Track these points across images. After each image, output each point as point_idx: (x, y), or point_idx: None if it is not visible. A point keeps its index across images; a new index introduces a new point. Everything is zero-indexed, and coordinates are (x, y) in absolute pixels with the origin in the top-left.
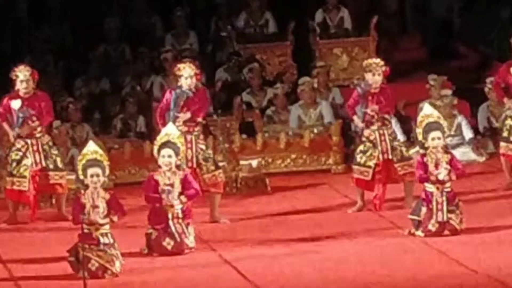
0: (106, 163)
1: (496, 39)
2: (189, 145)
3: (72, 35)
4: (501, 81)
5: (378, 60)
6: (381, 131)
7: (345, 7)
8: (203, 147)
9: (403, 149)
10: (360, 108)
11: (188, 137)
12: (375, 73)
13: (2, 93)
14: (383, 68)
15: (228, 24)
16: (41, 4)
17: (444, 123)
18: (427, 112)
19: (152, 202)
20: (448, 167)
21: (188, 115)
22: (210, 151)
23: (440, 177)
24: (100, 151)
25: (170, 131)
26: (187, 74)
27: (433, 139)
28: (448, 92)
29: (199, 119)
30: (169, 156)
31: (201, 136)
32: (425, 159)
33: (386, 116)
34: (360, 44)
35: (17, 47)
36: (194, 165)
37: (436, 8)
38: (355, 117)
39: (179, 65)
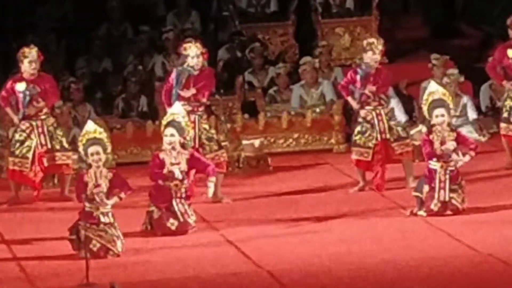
0: (106, 140)
1: (499, 18)
2: (192, 125)
3: (74, 13)
4: (497, 63)
5: (378, 39)
6: (377, 111)
7: None
8: (206, 126)
9: (399, 128)
10: (357, 89)
11: (192, 116)
12: (375, 51)
13: (5, 73)
14: (381, 47)
15: (230, 3)
16: None
17: (449, 100)
18: (433, 89)
19: (158, 179)
20: (455, 144)
21: (190, 91)
22: (213, 131)
23: (450, 147)
24: (100, 129)
25: (176, 110)
26: (193, 53)
27: (436, 116)
28: (455, 71)
29: (204, 99)
30: (172, 135)
31: (204, 116)
32: (430, 136)
33: (382, 95)
34: (362, 23)
35: (19, 26)
36: (197, 145)
37: None
38: (349, 98)
39: (185, 45)
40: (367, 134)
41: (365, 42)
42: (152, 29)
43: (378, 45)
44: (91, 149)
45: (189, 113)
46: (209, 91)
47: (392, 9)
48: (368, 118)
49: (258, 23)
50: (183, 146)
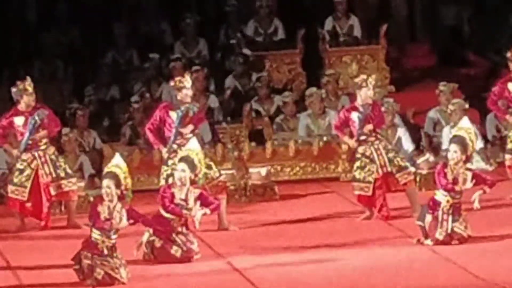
0: (122, 177)
1: (505, 47)
2: None
3: (82, 40)
4: (498, 98)
5: (367, 76)
6: (375, 146)
7: (354, 15)
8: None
9: (399, 159)
10: (355, 129)
11: None
12: (370, 87)
13: (12, 99)
14: (373, 83)
15: (237, 31)
16: (50, 9)
17: (470, 141)
18: (463, 125)
19: (171, 212)
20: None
21: (189, 128)
22: (209, 159)
23: (457, 188)
24: (122, 165)
25: (191, 147)
26: (189, 85)
27: (449, 151)
28: (460, 100)
29: (197, 131)
30: (183, 171)
31: None
32: (445, 169)
33: (378, 130)
34: (370, 52)
35: (26, 52)
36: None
37: (445, 16)
38: (345, 138)
39: (178, 78)
40: (366, 169)
41: (358, 80)
42: (159, 57)
43: (371, 80)
44: (105, 182)
45: (183, 146)
46: (202, 121)
47: (400, 38)
48: (367, 153)
49: (265, 51)
50: (193, 182)
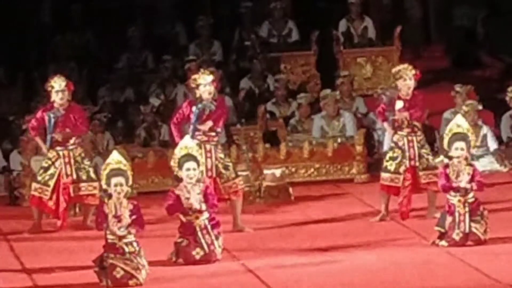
0: (129, 172)
1: None
2: (208, 155)
3: (96, 42)
4: None
5: (406, 65)
6: (409, 138)
7: (369, 17)
8: (222, 155)
9: (430, 157)
10: (388, 115)
11: (207, 146)
12: (406, 78)
13: (27, 102)
14: (413, 72)
15: (252, 33)
16: (64, 11)
17: (472, 136)
18: (458, 122)
19: (174, 212)
20: (469, 178)
21: (208, 124)
22: (228, 159)
23: (462, 184)
24: (124, 161)
25: (188, 144)
26: (204, 82)
27: (456, 149)
28: (474, 102)
29: (219, 129)
30: (194, 169)
31: (219, 145)
32: (447, 171)
33: (416, 123)
34: (384, 53)
35: (41, 55)
36: (214, 175)
37: (459, 17)
38: (385, 124)
39: (194, 76)
40: (398, 160)
41: (393, 70)
42: (174, 58)
43: (407, 71)
44: (114, 180)
45: (204, 143)
46: (224, 120)
47: (414, 39)
48: (400, 143)
49: (279, 52)
50: (197, 179)
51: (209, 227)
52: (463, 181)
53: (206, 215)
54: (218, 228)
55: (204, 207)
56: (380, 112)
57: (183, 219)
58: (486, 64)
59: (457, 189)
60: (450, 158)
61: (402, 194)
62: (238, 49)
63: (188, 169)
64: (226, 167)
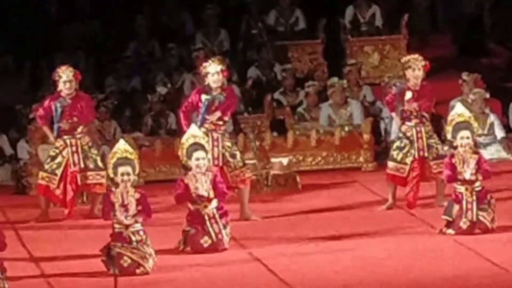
0: (136, 161)
1: None
2: (215, 143)
3: (103, 31)
4: None
5: (416, 56)
6: (418, 128)
7: (376, 5)
8: (229, 144)
9: (439, 147)
10: (397, 105)
11: (215, 135)
12: (415, 68)
13: (34, 92)
14: (423, 63)
15: (259, 21)
16: (71, 0)
17: (475, 124)
18: (458, 111)
19: (182, 201)
20: (475, 167)
21: (216, 114)
22: (236, 148)
23: (466, 176)
24: (131, 150)
25: (195, 132)
26: (213, 70)
27: (461, 138)
28: (481, 90)
29: (226, 118)
30: (203, 159)
31: (227, 134)
32: (453, 160)
33: (424, 113)
34: (391, 42)
35: (48, 44)
36: (221, 163)
37: (466, 5)
38: (393, 114)
39: (204, 63)
40: (405, 150)
41: (403, 60)
42: (180, 46)
43: (417, 61)
44: (121, 169)
45: (212, 131)
46: (232, 110)
47: (421, 28)
48: (408, 134)
49: (286, 41)
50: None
51: (217, 216)
52: (467, 172)
53: (214, 204)
54: (226, 217)
55: (212, 195)
56: (389, 101)
57: (192, 207)
58: (493, 52)
59: (463, 181)
60: (455, 147)
61: (409, 185)
62: (245, 37)
63: (197, 159)
64: (233, 156)
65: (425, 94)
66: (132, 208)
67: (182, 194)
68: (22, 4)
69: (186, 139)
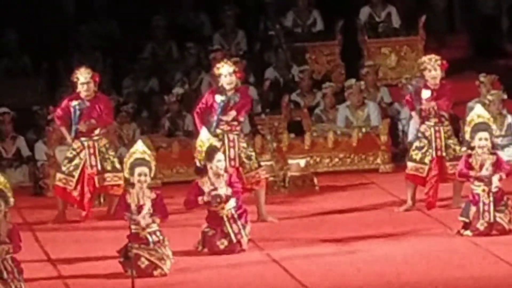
0: (153, 164)
1: None
2: (231, 144)
3: (120, 32)
4: None
5: (431, 56)
6: (436, 128)
7: (393, 6)
8: (245, 145)
9: (457, 148)
10: (416, 105)
11: (230, 136)
12: (431, 69)
13: (51, 92)
14: (439, 62)
15: (276, 23)
16: (89, 1)
17: (493, 126)
18: (478, 112)
19: (191, 208)
20: (492, 168)
21: (231, 115)
22: (251, 149)
23: (483, 173)
24: (149, 151)
25: (208, 135)
26: (226, 72)
27: (480, 139)
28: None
29: (241, 119)
30: (223, 161)
31: (242, 135)
32: (470, 160)
33: (443, 113)
34: (409, 43)
35: (65, 44)
36: (237, 164)
37: (484, 7)
38: (413, 113)
39: (217, 65)
40: (424, 150)
41: (419, 61)
42: (196, 44)
43: (432, 61)
44: (138, 170)
45: (227, 132)
46: (247, 110)
47: (438, 29)
48: (427, 134)
49: (304, 42)
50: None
51: (236, 216)
52: (483, 171)
53: (232, 203)
54: (245, 216)
55: (230, 192)
56: (408, 101)
57: (210, 209)
58: (510, 53)
59: (479, 179)
60: (473, 148)
61: (428, 185)
62: (263, 39)
63: (219, 160)
64: (248, 157)
65: (445, 93)
66: (147, 209)
67: (191, 200)
68: (39, 4)
69: (202, 143)
